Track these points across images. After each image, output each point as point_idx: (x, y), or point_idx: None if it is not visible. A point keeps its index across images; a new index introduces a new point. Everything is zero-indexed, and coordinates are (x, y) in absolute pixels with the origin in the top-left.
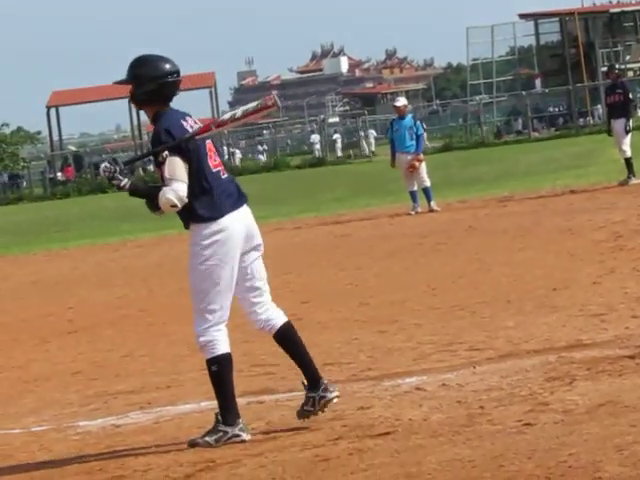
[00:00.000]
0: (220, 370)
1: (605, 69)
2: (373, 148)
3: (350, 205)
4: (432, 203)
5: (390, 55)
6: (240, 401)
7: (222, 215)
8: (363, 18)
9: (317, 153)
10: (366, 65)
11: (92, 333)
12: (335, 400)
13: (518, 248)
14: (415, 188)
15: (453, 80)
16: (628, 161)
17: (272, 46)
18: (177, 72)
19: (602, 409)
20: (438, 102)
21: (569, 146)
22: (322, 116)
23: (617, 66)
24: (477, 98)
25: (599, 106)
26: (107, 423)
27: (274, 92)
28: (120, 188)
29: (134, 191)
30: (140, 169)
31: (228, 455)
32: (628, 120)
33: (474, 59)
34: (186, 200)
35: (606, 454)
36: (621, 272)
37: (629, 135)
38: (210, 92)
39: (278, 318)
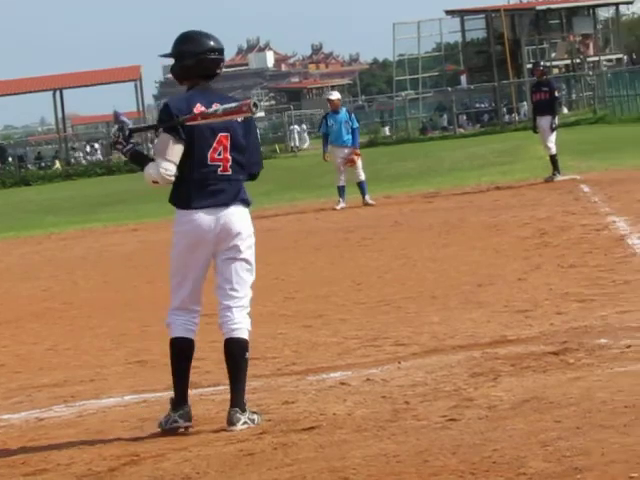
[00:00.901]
0: (170, 353)
1: (531, 66)
2: (298, 143)
3: (276, 199)
4: (367, 197)
5: (316, 50)
6: (165, 395)
7: (191, 207)
8: (289, 13)
9: None
10: (292, 60)
11: (16, 326)
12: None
13: (443, 244)
14: (344, 183)
15: (379, 76)
16: (553, 158)
17: None
18: (219, 50)
19: (527, 405)
20: (364, 97)
21: (494, 143)
22: None
23: (542, 63)
24: (403, 94)
25: (525, 103)
26: (31, 416)
27: (255, 99)
28: (123, 153)
29: (132, 158)
30: None
31: (152, 449)
32: (554, 118)
33: (400, 55)
34: (171, 179)
35: (530, 450)
36: (546, 268)
37: (554, 133)
38: (136, 85)
39: (230, 331)
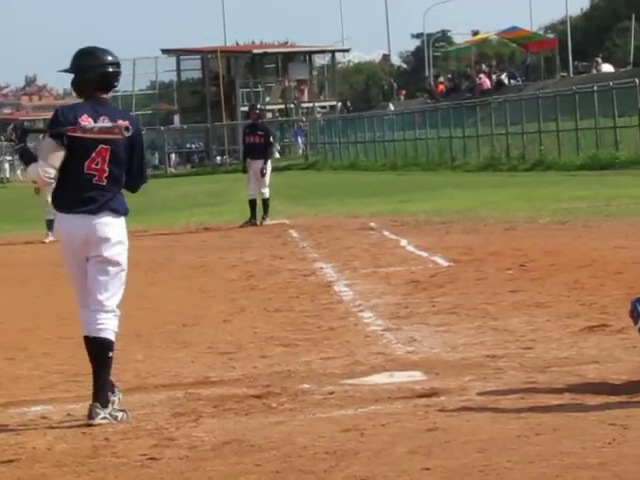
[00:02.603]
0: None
1: (245, 109)
2: (8, 174)
3: None
4: None
5: (30, 82)
6: None
7: (63, 212)
8: (2, 43)
9: None
10: (5, 91)
11: None
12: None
13: (150, 282)
14: (54, 217)
15: None
16: (265, 202)
17: None
18: (117, 64)
19: (227, 447)
20: None
21: (205, 183)
22: None
23: (259, 106)
24: None
25: (237, 145)
26: None
27: (126, 122)
28: (15, 150)
29: (20, 155)
30: None
31: None
32: (266, 162)
33: (114, 91)
34: (49, 181)
35: None
36: (251, 311)
37: (268, 177)
38: None
39: (94, 331)
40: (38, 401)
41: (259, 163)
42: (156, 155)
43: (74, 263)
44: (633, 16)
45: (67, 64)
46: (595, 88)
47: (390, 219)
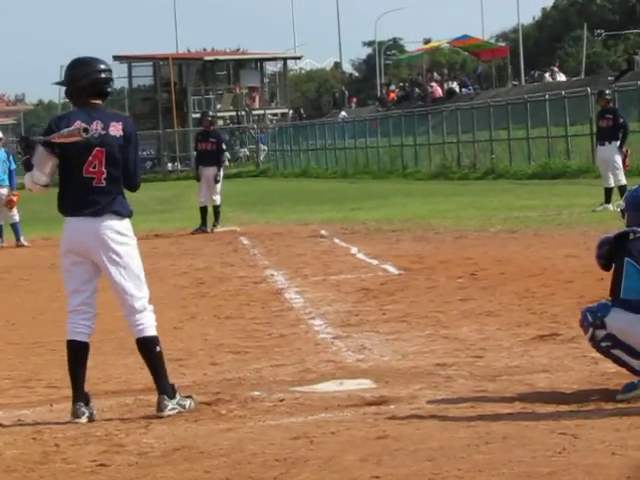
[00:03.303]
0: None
1: (197, 115)
2: None
3: None
4: (22, 238)
5: None
6: None
7: (69, 215)
8: None
9: None
10: None
11: None
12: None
13: (100, 288)
14: (2, 222)
15: (44, 117)
16: (216, 209)
17: None
18: (109, 70)
19: (177, 453)
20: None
21: (156, 190)
22: None
23: (211, 113)
24: None
25: (189, 152)
26: None
27: (84, 125)
28: (22, 162)
29: (24, 166)
30: None
31: None
32: (219, 169)
33: (66, 98)
34: (41, 188)
35: None
36: (202, 319)
37: (219, 184)
38: None
39: (138, 332)
40: None
41: (211, 170)
42: None
43: (71, 266)
44: (585, 25)
45: (17, 70)
46: (547, 97)
47: (341, 227)
